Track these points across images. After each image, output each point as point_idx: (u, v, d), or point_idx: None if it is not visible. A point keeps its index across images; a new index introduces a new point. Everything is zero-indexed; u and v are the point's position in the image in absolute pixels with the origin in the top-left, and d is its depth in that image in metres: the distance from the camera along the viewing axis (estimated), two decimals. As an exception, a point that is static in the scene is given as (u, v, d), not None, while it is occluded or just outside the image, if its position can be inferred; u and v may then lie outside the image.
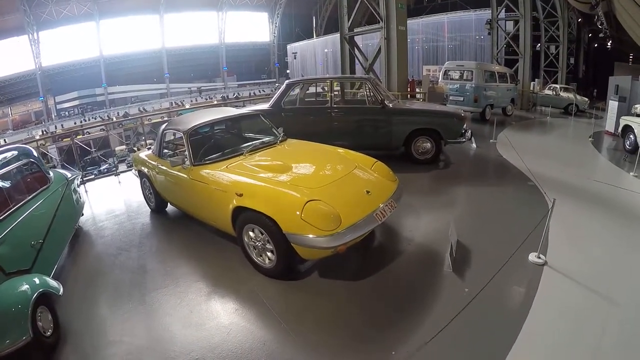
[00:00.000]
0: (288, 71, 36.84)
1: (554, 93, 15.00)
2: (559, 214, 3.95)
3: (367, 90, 6.45)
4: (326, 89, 6.78)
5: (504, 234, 3.81)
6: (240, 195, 3.16)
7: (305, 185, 3.15)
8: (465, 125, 6.39)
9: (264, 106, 6.96)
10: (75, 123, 27.49)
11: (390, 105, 6.24)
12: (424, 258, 3.46)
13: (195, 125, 4.13)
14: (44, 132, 24.78)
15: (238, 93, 36.15)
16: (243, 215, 3.18)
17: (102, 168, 19.01)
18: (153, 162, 4.64)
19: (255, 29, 41.50)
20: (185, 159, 3.86)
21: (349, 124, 6.33)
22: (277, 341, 2.52)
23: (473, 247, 3.53)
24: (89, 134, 23.20)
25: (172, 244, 4.29)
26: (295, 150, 4.22)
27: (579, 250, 3.53)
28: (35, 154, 3.99)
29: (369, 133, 6.31)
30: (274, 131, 4.57)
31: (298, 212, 2.80)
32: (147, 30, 35.22)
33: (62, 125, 27.62)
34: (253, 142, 4.26)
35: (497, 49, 16.02)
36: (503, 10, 15.82)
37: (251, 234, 3.20)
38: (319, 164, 3.69)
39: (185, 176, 3.87)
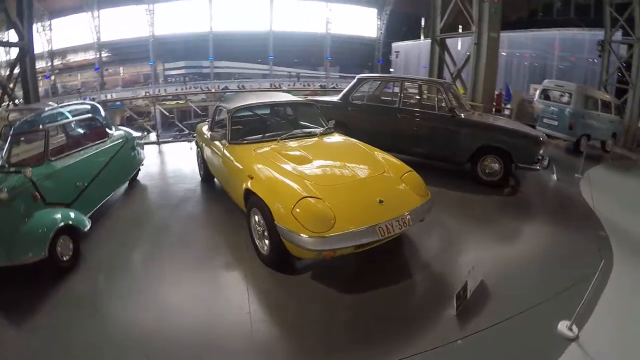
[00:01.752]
0: (391, 70, 36.15)
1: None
2: (624, 281, 3.19)
3: (439, 96, 5.95)
4: (397, 89, 6.45)
5: (541, 288, 3.15)
6: (251, 178, 3.21)
7: (316, 181, 3.03)
8: (542, 151, 5.51)
9: (334, 98, 6.92)
10: (176, 89, 30.74)
11: (462, 115, 5.68)
12: (433, 290, 3.07)
13: (240, 106, 4.29)
14: (147, 94, 28.19)
15: (336, 84, 36.56)
16: (251, 198, 3.22)
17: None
18: (206, 135, 4.92)
19: (362, 23, 41.60)
20: (224, 136, 4.02)
21: (413, 129, 5.94)
22: (236, 330, 2.51)
23: (497, 294, 2.99)
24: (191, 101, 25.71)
25: (203, 212, 4.58)
26: (329, 145, 4.09)
27: (630, 336, 2.72)
28: (102, 112, 4.59)
29: (433, 142, 5.85)
30: (322, 123, 4.48)
31: (291, 206, 2.72)
32: (257, 12, 37.51)
33: (165, 89, 31.18)
34: (293, 131, 4.23)
35: (607, 74, 13.41)
36: (620, 32, 13.09)
37: (256, 217, 3.22)
38: (344, 163, 3.49)
39: (221, 151, 4.06)
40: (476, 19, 7.58)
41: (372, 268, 3.30)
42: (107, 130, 4.50)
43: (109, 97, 28.61)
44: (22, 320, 2.61)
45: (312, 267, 3.22)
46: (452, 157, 5.80)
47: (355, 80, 6.73)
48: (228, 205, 4.38)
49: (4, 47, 9.64)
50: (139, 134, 5.56)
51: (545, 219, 4.80)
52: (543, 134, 5.86)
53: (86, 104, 4.53)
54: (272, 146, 3.77)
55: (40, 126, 3.45)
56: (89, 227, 3.40)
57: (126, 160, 4.77)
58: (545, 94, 9.01)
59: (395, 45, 34.43)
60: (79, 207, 3.54)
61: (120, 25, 34.76)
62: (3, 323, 2.58)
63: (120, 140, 4.68)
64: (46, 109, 3.91)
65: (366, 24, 41.85)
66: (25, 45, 7.73)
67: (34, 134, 3.49)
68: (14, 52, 8.13)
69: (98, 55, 35.54)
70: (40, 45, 33.38)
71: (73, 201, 3.53)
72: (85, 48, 36.03)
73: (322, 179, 3.13)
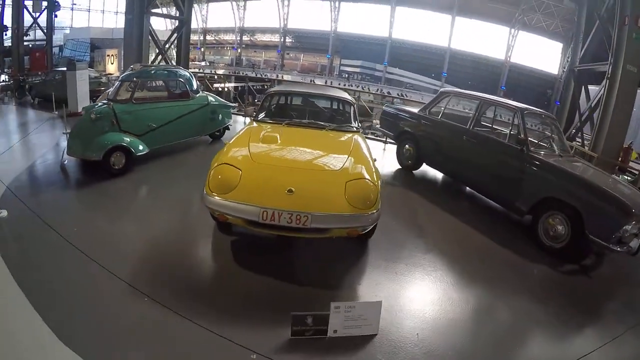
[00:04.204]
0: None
1: None
2: None
3: (514, 125, 4.95)
4: (474, 110, 5.81)
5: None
6: (224, 145, 3.83)
7: (254, 157, 3.31)
8: (631, 228, 3.78)
9: (416, 110, 6.83)
10: (338, 84, 33.37)
11: (541, 154, 4.59)
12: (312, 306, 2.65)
13: (276, 90, 5.01)
14: (312, 81, 31.85)
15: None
16: None
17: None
18: None
19: (544, 56, 36.29)
20: (255, 112, 4.80)
21: (476, 157, 5.30)
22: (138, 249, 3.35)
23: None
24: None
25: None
26: (318, 137, 4.12)
27: None
28: (193, 81, 6.13)
29: (493, 177, 5.06)
30: (353, 121, 4.59)
31: (212, 168, 3.18)
32: (437, 26, 36.97)
33: (331, 82, 34.30)
34: (307, 120, 4.48)
35: None
36: None
37: None
38: (304, 152, 3.60)
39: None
40: (613, 47, 5.86)
41: (290, 258, 3.39)
42: (191, 93, 5.96)
43: (287, 77, 33.74)
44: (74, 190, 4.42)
45: (241, 236, 3.61)
46: (510, 201, 4.75)
47: (438, 93, 6.47)
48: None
49: (168, 19, 12.58)
50: (230, 104, 7.10)
51: (581, 326, 3.10)
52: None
53: (186, 72, 6.22)
54: (271, 127, 4.11)
55: (135, 79, 5.03)
56: (142, 153, 4.90)
57: (200, 120, 6.17)
58: None
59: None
60: (146, 140, 5.04)
61: (306, 16, 40.01)
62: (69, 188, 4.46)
63: (200, 104, 6.10)
64: (152, 69, 5.60)
65: (549, 57, 36.24)
66: (184, 19, 10.22)
67: (131, 83, 5.13)
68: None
69: (282, 40, 41.95)
70: (232, 21, 41.85)
71: (142, 135, 5.05)
72: (272, 31, 43.24)
73: (262, 157, 3.37)
